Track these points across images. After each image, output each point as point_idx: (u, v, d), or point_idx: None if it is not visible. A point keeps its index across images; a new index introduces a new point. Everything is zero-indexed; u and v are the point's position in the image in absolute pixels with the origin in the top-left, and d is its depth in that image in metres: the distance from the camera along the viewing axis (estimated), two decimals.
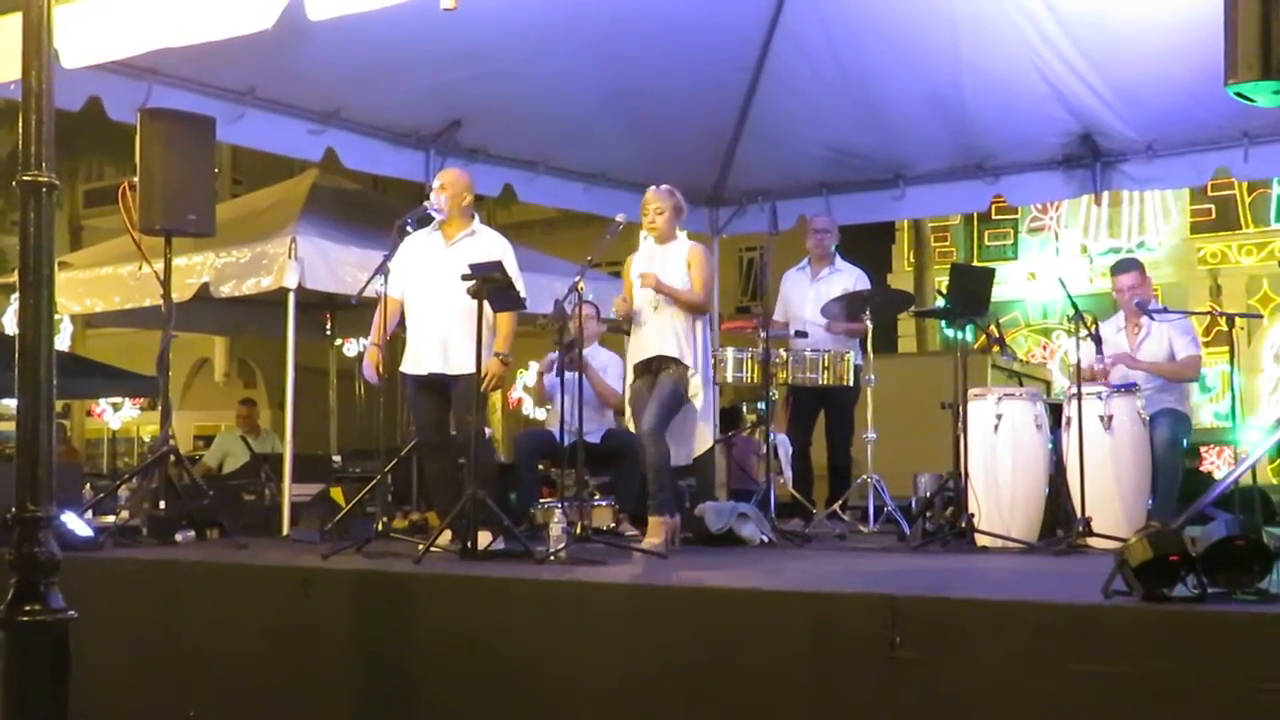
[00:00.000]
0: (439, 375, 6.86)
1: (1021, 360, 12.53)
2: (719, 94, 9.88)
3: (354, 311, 9.70)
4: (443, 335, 6.82)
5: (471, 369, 6.49)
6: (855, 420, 8.29)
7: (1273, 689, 3.44)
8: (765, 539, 7.10)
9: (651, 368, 6.81)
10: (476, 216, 7.11)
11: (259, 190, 11.88)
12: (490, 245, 6.91)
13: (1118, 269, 7.86)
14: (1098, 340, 7.06)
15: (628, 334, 10.02)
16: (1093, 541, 6.29)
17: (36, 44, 3.74)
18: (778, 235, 9.65)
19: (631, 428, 7.09)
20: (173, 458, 7.66)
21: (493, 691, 4.96)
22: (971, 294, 7.20)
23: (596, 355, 8.51)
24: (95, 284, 9.84)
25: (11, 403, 4.03)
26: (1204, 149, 9.30)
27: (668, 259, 6.83)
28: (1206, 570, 3.85)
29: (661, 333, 6.75)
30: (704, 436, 7.04)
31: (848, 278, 8.58)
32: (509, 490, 8.09)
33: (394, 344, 7.15)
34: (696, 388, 6.73)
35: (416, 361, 6.94)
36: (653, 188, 6.97)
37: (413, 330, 7.01)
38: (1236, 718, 3.50)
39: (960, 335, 7.24)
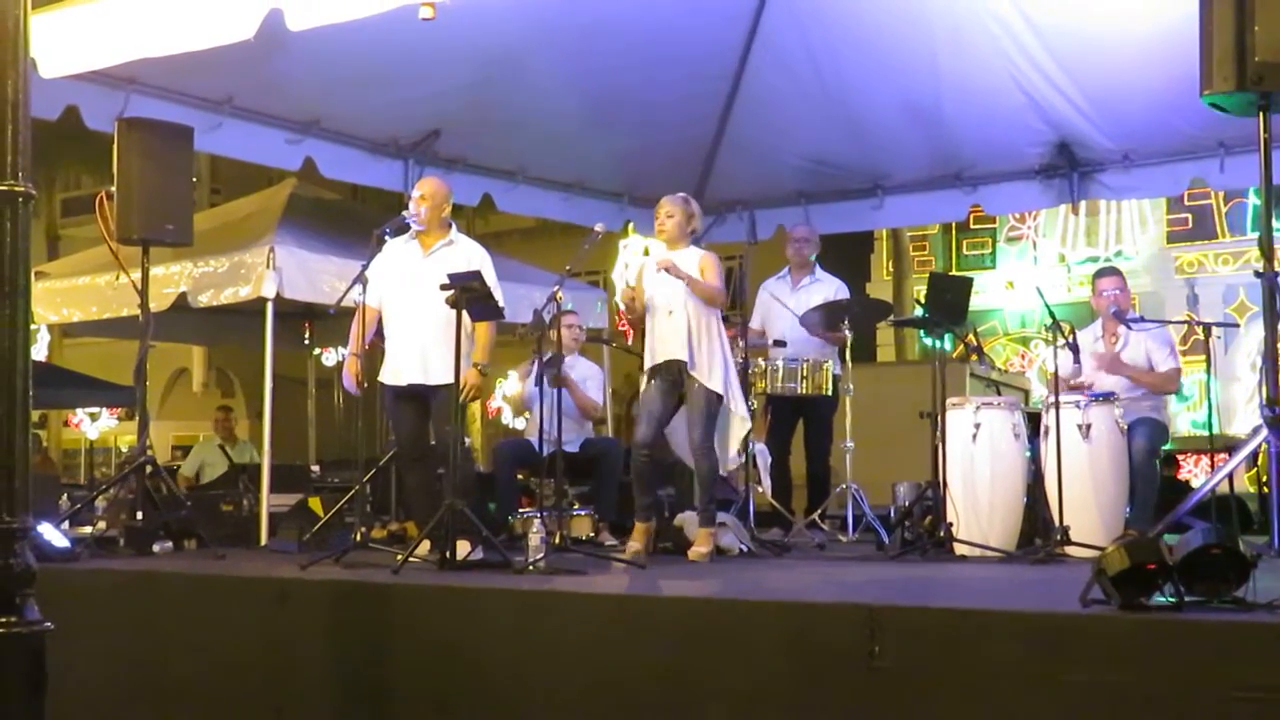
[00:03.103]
0: (418, 386, 6.84)
1: (1000, 369, 12.57)
2: (698, 104, 9.89)
3: (333, 321, 9.68)
4: (421, 345, 6.80)
5: (450, 379, 6.46)
6: (834, 429, 8.29)
7: (1249, 697, 3.45)
8: (744, 548, 7.11)
9: (670, 372, 6.75)
10: (454, 226, 7.10)
11: (237, 199, 11.86)
12: (468, 255, 6.88)
13: (1100, 273, 7.90)
14: (1075, 349, 7.08)
15: (608, 344, 10.04)
16: (1071, 550, 6.31)
17: (13, 53, 3.72)
18: (756, 244, 9.67)
19: (609, 432, 7.07)
20: (150, 468, 7.63)
21: (471, 702, 4.95)
22: (950, 303, 7.22)
23: (577, 366, 8.50)
24: (72, 294, 9.81)
25: None
26: (1180, 159, 9.36)
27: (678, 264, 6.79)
28: (1184, 579, 3.87)
29: (678, 335, 6.67)
30: (738, 437, 6.98)
31: (827, 287, 8.58)
32: (488, 500, 8.07)
33: (373, 353, 7.13)
34: (721, 389, 6.64)
35: (396, 372, 6.91)
36: (668, 195, 6.95)
37: (391, 340, 6.98)
38: None
39: (939, 344, 7.26)
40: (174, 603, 6.05)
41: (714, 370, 6.65)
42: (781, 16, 9.14)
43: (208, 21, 6.08)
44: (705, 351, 6.66)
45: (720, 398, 6.67)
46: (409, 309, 6.87)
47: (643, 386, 6.89)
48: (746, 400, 7.57)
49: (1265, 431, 5.78)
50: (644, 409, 6.84)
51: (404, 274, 6.89)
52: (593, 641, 4.74)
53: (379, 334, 7.07)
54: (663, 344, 6.74)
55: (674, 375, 6.73)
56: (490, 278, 6.64)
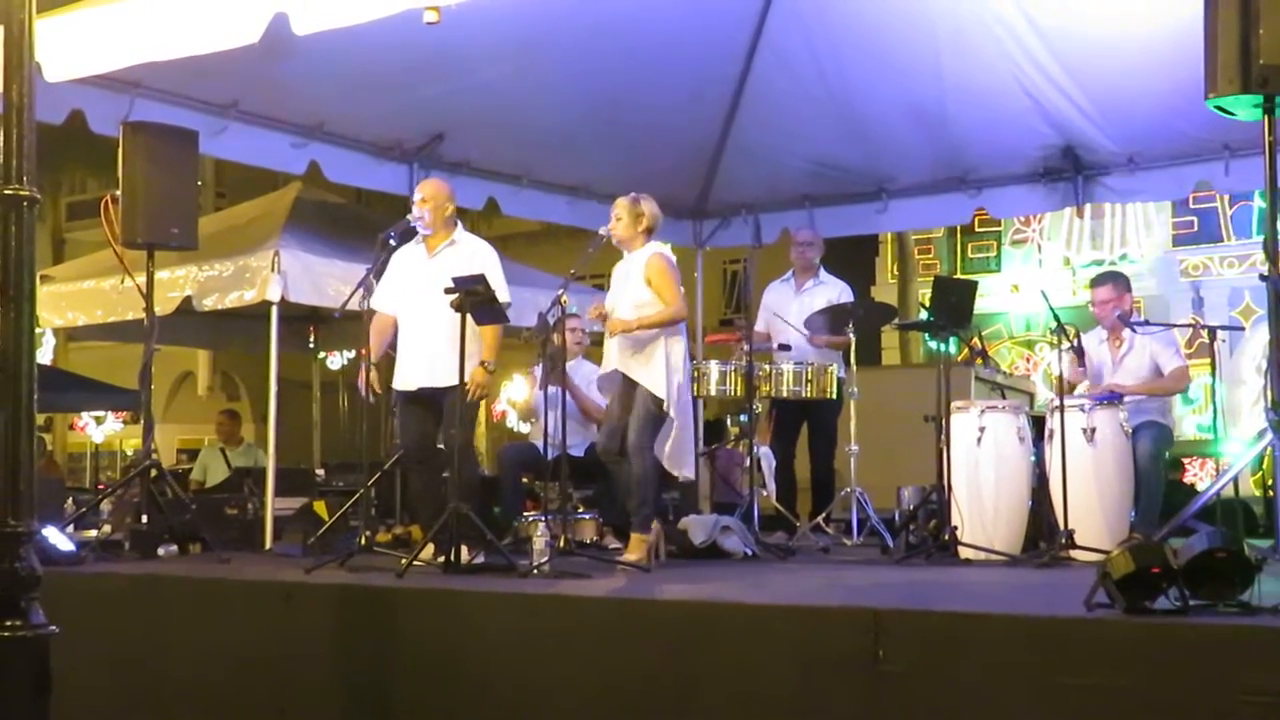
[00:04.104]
0: (427, 389, 6.83)
1: (1005, 373, 12.55)
2: (702, 107, 9.89)
3: (337, 325, 9.68)
4: (429, 349, 6.79)
5: (456, 381, 6.47)
6: (838, 433, 8.29)
7: (1254, 700, 3.45)
8: (749, 552, 7.10)
9: (616, 382, 6.75)
10: (459, 225, 7.09)
11: (242, 203, 11.87)
12: (471, 253, 6.88)
13: (1095, 282, 7.89)
14: (1080, 353, 7.08)
15: None
16: (1075, 554, 6.31)
17: (18, 57, 3.73)
18: (761, 248, 9.67)
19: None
20: (155, 471, 7.63)
21: (475, 705, 4.95)
22: (954, 306, 7.21)
23: (580, 369, 8.50)
24: (78, 297, 9.82)
25: None
26: (1185, 162, 9.35)
27: (630, 271, 6.79)
28: (1189, 582, 3.86)
29: (623, 347, 6.68)
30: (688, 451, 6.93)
31: (831, 290, 8.59)
32: (492, 504, 8.07)
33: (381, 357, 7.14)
34: (667, 400, 6.58)
35: (405, 378, 6.92)
36: (621, 196, 6.93)
37: (402, 345, 6.98)
38: None
39: (943, 348, 7.26)
40: (178, 606, 6.06)
41: (655, 374, 6.58)
42: (785, 20, 9.14)
43: (213, 25, 6.08)
44: (646, 356, 6.61)
45: (661, 402, 6.58)
46: (416, 313, 6.87)
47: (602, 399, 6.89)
48: (750, 405, 7.56)
49: (1270, 435, 5.77)
50: (606, 420, 6.87)
51: (410, 278, 6.90)
52: (597, 645, 4.74)
53: (394, 343, 7.06)
54: (611, 354, 6.74)
55: (621, 384, 6.72)
56: (495, 275, 6.64)
